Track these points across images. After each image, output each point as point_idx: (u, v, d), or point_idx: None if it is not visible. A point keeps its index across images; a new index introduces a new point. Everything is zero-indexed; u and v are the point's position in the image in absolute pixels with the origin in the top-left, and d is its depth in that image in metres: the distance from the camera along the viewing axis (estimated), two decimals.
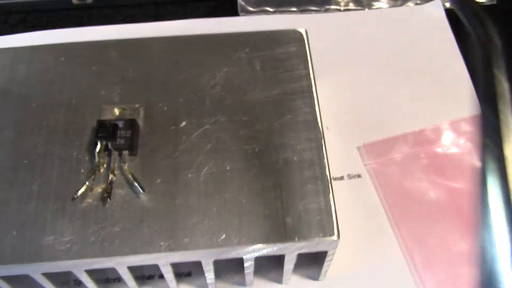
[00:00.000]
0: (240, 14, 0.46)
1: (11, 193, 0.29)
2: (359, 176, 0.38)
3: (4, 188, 0.30)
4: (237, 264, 0.35)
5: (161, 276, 0.35)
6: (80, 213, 0.29)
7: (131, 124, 0.31)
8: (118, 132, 0.30)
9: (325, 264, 0.32)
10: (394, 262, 0.35)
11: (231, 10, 0.46)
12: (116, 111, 0.32)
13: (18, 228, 0.28)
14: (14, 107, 0.32)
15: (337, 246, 0.29)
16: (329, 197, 0.29)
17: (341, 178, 0.38)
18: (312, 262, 0.35)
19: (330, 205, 0.29)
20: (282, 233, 0.28)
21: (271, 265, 0.35)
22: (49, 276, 0.30)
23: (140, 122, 0.32)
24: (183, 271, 0.35)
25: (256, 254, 0.29)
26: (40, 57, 0.34)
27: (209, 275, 0.32)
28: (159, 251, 0.28)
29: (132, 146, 0.30)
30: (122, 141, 0.30)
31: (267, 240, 0.28)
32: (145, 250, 0.28)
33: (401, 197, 0.37)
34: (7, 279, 0.30)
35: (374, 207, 0.37)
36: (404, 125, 0.40)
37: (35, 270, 0.29)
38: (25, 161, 0.31)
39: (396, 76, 0.42)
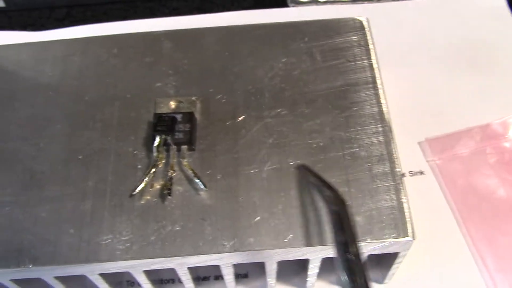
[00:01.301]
0: (290, 5, 0.44)
1: (66, 190, 0.28)
2: (421, 173, 0.36)
3: (58, 184, 0.28)
4: (297, 265, 0.33)
5: (217, 278, 0.34)
6: (138, 211, 0.27)
7: (189, 117, 0.29)
8: (177, 126, 0.29)
9: (394, 266, 0.30)
10: (463, 264, 0.33)
11: (280, 0, 0.45)
12: (172, 104, 0.30)
13: (75, 226, 0.27)
14: (67, 100, 0.31)
15: (410, 247, 0.27)
16: (401, 195, 0.27)
17: (403, 175, 0.36)
18: (376, 264, 0.33)
19: (403, 203, 0.27)
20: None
21: (331, 268, 0.33)
22: (105, 276, 0.29)
23: (197, 115, 0.30)
24: (240, 272, 0.33)
25: (324, 255, 0.27)
26: (93, 49, 0.33)
27: (271, 277, 0.30)
28: (222, 251, 0.26)
29: (191, 141, 0.29)
30: (181, 135, 0.29)
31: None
32: (208, 250, 0.26)
33: (468, 195, 0.35)
34: (62, 279, 0.29)
35: (439, 205, 0.35)
36: (468, 119, 0.37)
37: (92, 271, 0.28)
38: (80, 156, 0.29)
39: (457, 67, 0.40)
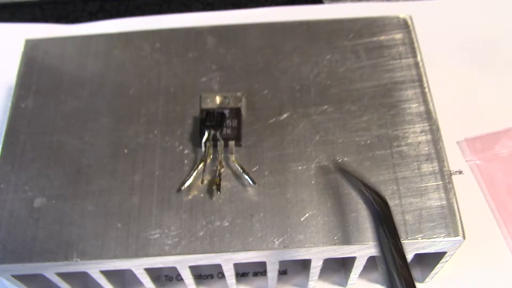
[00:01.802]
0: (325, 1, 0.44)
1: (113, 184, 0.28)
2: (460, 172, 0.36)
3: (105, 178, 0.28)
4: (337, 262, 0.33)
5: (256, 274, 0.34)
6: (186, 206, 0.27)
7: (236, 113, 0.29)
8: (225, 121, 0.29)
9: (438, 266, 0.30)
10: (504, 266, 0.33)
11: None
12: (218, 100, 0.30)
13: (123, 220, 0.27)
14: (111, 93, 0.31)
15: (459, 247, 0.27)
16: (451, 194, 0.27)
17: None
18: (416, 263, 0.33)
19: (453, 202, 0.27)
20: (402, 232, 0.26)
21: (373, 266, 0.33)
22: (149, 271, 0.29)
23: (243, 111, 0.30)
24: (280, 269, 0.33)
25: (372, 253, 0.27)
26: (135, 43, 0.33)
27: (315, 275, 0.30)
28: (272, 248, 0.26)
29: (238, 136, 0.29)
30: (229, 131, 0.29)
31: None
32: (257, 246, 0.26)
33: (509, 195, 0.35)
34: (106, 273, 0.29)
35: (479, 206, 0.35)
36: (508, 120, 0.37)
37: (140, 265, 0.28)
38: (126, 150, 0.29)
39: (498, 67, 0.40)
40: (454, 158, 0.36)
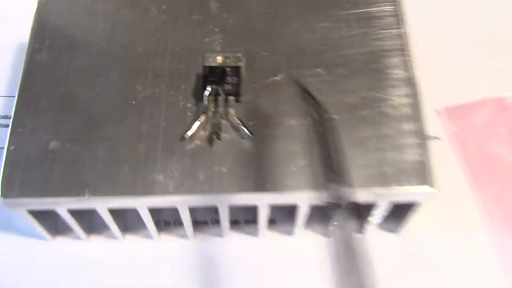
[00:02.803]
0: None
1: (122, 132, 0.31)
2: (438, 138, 0.39)
3: (115, 126, 0.31)
4: (319, 213, 0.36)
5: (247, 222, 0.37)
6: (189, 153, 0.30)
7: (237, 71, 0.32)
8: (225, 78, 0.31)
9: (410, 216, 0.33)
10: (472, 222, 0.36)
11: None
12: (219, 59, 0.33)
13: (131, 164, 0.30)
14: (120, 51, 0.34)
15: (431, 198, 0.30)
16: (427, 151, 0.30)
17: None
18: (391, 216, 0.36)
19: (428, 158, 0.30)
20: (382, 181, 0.30)
21: (353, 217, 0.36)
22: (150, 213, 0.32)
23: (243, 70, 0.33)
24: (269, 218, 0.36)
25: (356, 199, 0.30)
26: (142, 4, 0.35)
27: (301, 221, 0.33)
28: (264, 191, 0.29)
29: (238, 92, 0.31)
30: (230, 87, 0.31)
31: (368, 185, 0.29)
32: (251, 190, 0.29)
33: (481, 160, 0.38)
34: (112, 212, 0.32)
35: (454, 169, 0.38)
36: (485, 92, 0.40)
37: (144, 205, 0.30)
38: (133, 102, 0.32)
39: (477, 44, 0.43)
40: (433, 125, 0.39)
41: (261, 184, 0.29)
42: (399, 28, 0.34)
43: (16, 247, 0.36)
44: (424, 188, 0.29)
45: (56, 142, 0.31)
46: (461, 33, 0.43)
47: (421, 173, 0.30)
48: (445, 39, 0.43)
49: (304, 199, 0.30)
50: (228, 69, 0.32)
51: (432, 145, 0.39)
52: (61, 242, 0.36)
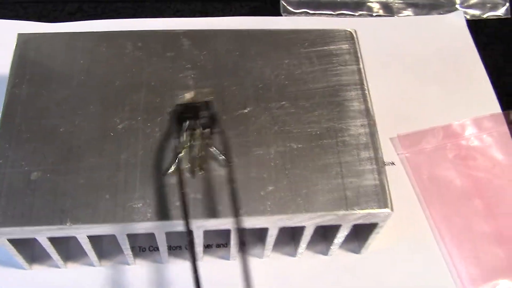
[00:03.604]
0: (283, 14, 0.50)
1: (101, 161, 0.33)
2: (393, 163, 0.43)
3: (94, 156, 0.33)
4: (289, 236, 0.39)
5: (219, 246, 0.39)
6: (166, 182, 0.32)
7: (210, 106, 0.34)
8: (200, 112, 0.34)
9: (371, 237, 0.36)
10: (425, 240, 0.40)
11: (272, 10, 0.50)
12: (192, 94, 0.35)
13: (110, 192, 0.32)
14: (98, 84, 0.36)
15: (388, 219, 0.34)
16: (383, 176, 0.34)
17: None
18: (353, 237, 0.39)
19: (384, 183, 0.33)
20: (344, 204, 0.32)
21: (318, 239, 0.39)
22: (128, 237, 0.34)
23: (214, 103, 0.35)
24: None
25: (320, 222, 0.33)
26: (119, 42, 0.38)
27: (270, 243, 0.36)
28: (237, 215, 0.32)
29: (214, 125, 0.34)
30: (204, 121, 0.34)
31: (331, 209, 0.32)
32: (225, 214, 0.32)
33: (431, 183, 0.42)
34: (92, 238, 0.33)
35: (407, 191, 0.42)
36: (433, 120, 0.44)
37: (124, 231, 0.32)
38: (112, 134, 0.34)
39: (424, 77, 0.47)
40: (388, 152, 0.43)
41: (234, 209, 0.32)
42: (355, 64, 0.38)
43: None
44: (383, 210, 0.33)
45: (38, 172, 0.32)
46: (410, 67, 0.48)
47: (380, 196, 0.33)
48: (395, 72, 0.47)
49: (273, 223, 0.33)
50: (201, 104, 0.34)
51: (387, 170, 0.43)
52: (39, 270, 0.37)
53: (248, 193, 0.32)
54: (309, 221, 0.33)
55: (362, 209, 0.32)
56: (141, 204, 0.32)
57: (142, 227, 0.32)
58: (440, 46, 0.49)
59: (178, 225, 0.32)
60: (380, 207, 0.33)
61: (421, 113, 0.45)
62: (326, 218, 0.33)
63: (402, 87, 0.46)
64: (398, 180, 0.42)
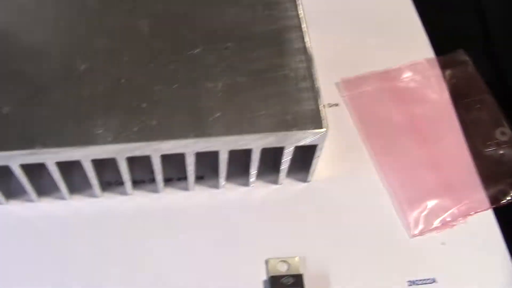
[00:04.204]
0: None
1: (66, 97, 0.37)
2: (337, 105, 0.47)
3: (60, 93, 0.37)
4: (242, 168, 0.43)
5: (179, 179, 0.43)
6: (125, 110, 0.36)
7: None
8: None
9: (314, 162, 0.40)
10: (365, 169, 0.44)
11: None
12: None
13: (75, 121, 0.36)
14: (61, 31, 0.40)
15: (325, 139, 0.38)
16: (319, 102, 0.38)
17: (324, 106, 0.47)
18: (300, 167, 0.43)
19: (320, 108, 0.38)
20: (284, 126, 0.37)
21: (268, 171, 0.43)
22: (95, 165, 0.37)
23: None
24: (197, 175, 0.42)
25: (264, 143, 0.37)
26: None
27: (223, 170, 0.40)
28: (188, 137, 0.36)
29: None
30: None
31: (273, 130, 0.36)
32: (178, 136, 0.36)
33: (371, 120, 0.46)
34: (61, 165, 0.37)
35: (349, 127, 0.46)
36: (372, 66, 0.49)
37: (88, 155, 0.36)
38: (75, 73, 0.38)
39: (365, 27, 0.52)
40: (332, 95, 0.47)
41: (186, 133, 0.36)
42: (295, 10, 0.42)
43: None
44: (319, 130, 0.37)
45: (8, 107, 0.36)
46: (351, 18, 0.52)
47: (316, 118, 0.37)
48: (339, 23, 0.52)
49: (222, 146, 0.37)
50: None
51: (332, 111, 0.48)
52: (15, 205, 0.41)
53: (198, 119, 0.36)
54: (255, 143, 0.37)
55: (300, 129, 0.37)
56: (101, 130, 0.35)
57: (103, 150, 0.35)
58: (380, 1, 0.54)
59: (135, 148, 0.36)
60: (316, 128, 0.37)
61: (362, 60, 0.49)
62: (269, 139, 0.37)
63: (345, 36, 0.51)
64: (341, 119, 0.46)
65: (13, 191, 0.41)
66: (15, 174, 0.37)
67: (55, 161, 0.36)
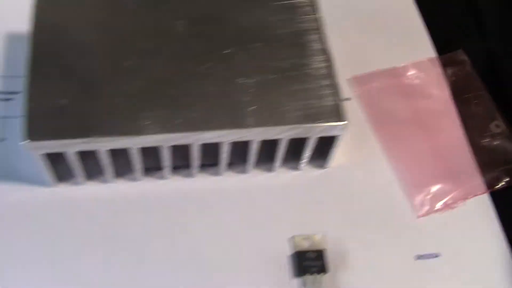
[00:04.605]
0: None
1: (117, 90, 0.41)
2: (349, 99, 0.52)
3: (110, 87, 0.41)
4: (267, 156, 0.47)
5: (211, 165, 0.47)
6: (171, 102, 0.41)
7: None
8: None
9: (332, 150, 0.45)
10: (376, 157, 0.49)
11: None
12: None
13: (125, 113, 0.40)
14: (106, 31, 0.44)
15: (345, 129, 0.43)
16: (339, 98, 0.43)
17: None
18: (319, 155, 0.48)
19: (340, 103, 0.43)
20: (309, 119, 0.41)
21: (291, 158, 0.48)
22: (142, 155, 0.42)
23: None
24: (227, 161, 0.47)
25: (291, 134, 0.42)
26: None
27: (252, 155, 0.45)
28: (225, 129, 0.40)
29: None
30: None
31: (299, 122, 0.41)
32: (217, 128, 0.40)
33: (379, 113, 0.51)
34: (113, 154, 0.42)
35: (360, 120, 0.51)
36: (381, 65, 0.54)
37: (136, 144, 0.40)
38: (121, 69, 0.42)
39: (374, 30, 0.57)
40: (345, 90, 0.52)
41: (225, 124, 0.40)
42: (315, 14, 0.47)
43: (23, 192, 0.44)
44: (340, 123, 0.42)
45: (65, 100, 0.40)
46: (359, 19, 0.57)
47: (337, 113, 0.42)
48: (348, 24, 0.57)
49: (256, 136, 0.42)
50: None
51: (345, 104, 0.52)
52: (62, 188, 0.45)
53: (234, 112, 0.41)
54: (284, 134, 0.42)
55: (324, 122, 0.42)
56: (149, 122, 0.40)
57: (152, 139, 0.40)
58: (385, 2, 0.59)
59: (180, 138, 0.40)
60: (337, 121, 0.42)
61: (371, 59, 0.54)
62: (296, 131, 0.42)
63: (355, 38, 0.56)
64: (353, 112, 0.51)
65: (60, 176, 0.45)
66: (70, 160, 0.41)
67: (107, 148, 0.41)
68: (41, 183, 0.44)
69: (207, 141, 0.41)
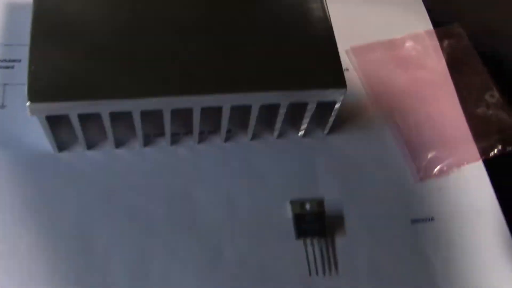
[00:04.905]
0: None
1: (121, 56, 0.41)
2: (347, 69, 0.53)
3: (115, 53, 0.41)
4: (265, 123, 0.48)
5: (210, 132, 0.48)
6: (170, 69, 0.41)
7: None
8: None
9: (331, 117, 0.46)
10: (374, 124, 0.50)
11: None
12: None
13: (129, 77, 0.40)
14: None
15: (343, 96, 0.43)
16: (339, 65, 0.43)
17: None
18: (318, 123, 0.49)
19: (340, 71, 0.43)
20: (310, 85, 0.42)
21: (290, 126, 0.48)
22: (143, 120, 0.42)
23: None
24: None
25: (291, 99, 0.43)
26: None
27: (253, 120, 0.45)
28: (226, 92, 0.41)
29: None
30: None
31: (300, 88, 0.42)
32: (217, 91, 0.41)
33: (378, 83, 0.52)
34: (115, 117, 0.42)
35: (358, 88, 0.52)
36: (379, 36, 0.55)
37: (137, 106, 0.41)
38: (127, 36, 0.42)
39: (371, 1, 0.57)
40: (343, 60, 0.52)
41: (224, 88, 0.41)
42: None
43: (24, 159, 0.45)
44: (339, 90, 0.42)
45: (69, 62, 0.40)
46: None
47: (337, 79, 0.43)
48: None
49: (255, 100, 0.42)
50: None
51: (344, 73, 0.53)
52: (65, 154, 0.45)
53: (234, 77, 0.42)
54: (284, 99, 0.43)
55: (323, 88, 0.42)
56: (152, 84, 0.40)
57: (152, 102, 0.40)
58: None
59: (180, 101, 0.41)
60: (337, 88, 0.43)
61: (369, 30, 0.55)
62: (296, 96, 0.42)
63: (352, 9, 0.56)
64: (351, 82, 0.52)
65: (61, 145, 0.45)
66: (72, 123, 0.42)
67: (109, 111, 0.41)
68: (42, 150, 0.45)
69: (207, 105, 0.42)
